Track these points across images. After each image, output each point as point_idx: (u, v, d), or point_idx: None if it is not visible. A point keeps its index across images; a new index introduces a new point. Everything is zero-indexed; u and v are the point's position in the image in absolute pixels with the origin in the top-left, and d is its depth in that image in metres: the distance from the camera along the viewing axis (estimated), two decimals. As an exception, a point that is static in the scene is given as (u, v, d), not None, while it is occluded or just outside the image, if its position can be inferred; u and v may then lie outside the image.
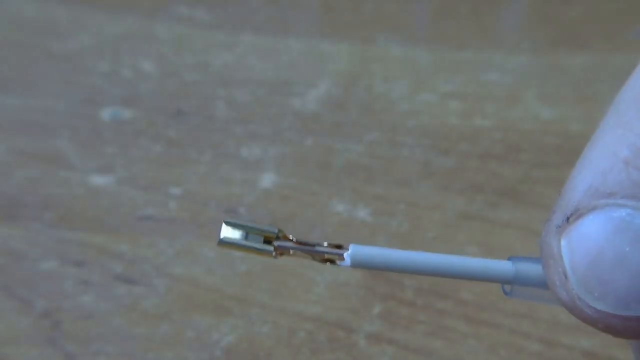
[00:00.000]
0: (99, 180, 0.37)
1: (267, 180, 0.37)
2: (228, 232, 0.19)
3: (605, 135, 0.18)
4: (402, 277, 0.33)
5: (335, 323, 0.31)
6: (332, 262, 0.20)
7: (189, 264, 0.33)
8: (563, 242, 0.18)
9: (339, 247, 0.20)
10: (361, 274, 0.33)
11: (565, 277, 0.18)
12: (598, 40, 0.45)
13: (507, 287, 0.19)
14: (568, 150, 0.38)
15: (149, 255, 0.34)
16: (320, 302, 0.32)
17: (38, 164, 0.38)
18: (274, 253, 0.20)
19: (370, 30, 0.45)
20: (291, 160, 0.38)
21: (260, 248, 0.20)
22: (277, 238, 0.20)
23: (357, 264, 0.19)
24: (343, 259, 0.19)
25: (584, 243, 0.18)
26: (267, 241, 0.20)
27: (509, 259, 0.20)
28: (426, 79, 0.42)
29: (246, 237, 0.19)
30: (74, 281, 0.33)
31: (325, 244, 0.20)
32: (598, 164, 0.18)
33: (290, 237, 0.20)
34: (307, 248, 0.20)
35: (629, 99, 0.18)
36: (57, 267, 0.34)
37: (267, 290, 0.32)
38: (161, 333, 0.31)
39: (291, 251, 0.20)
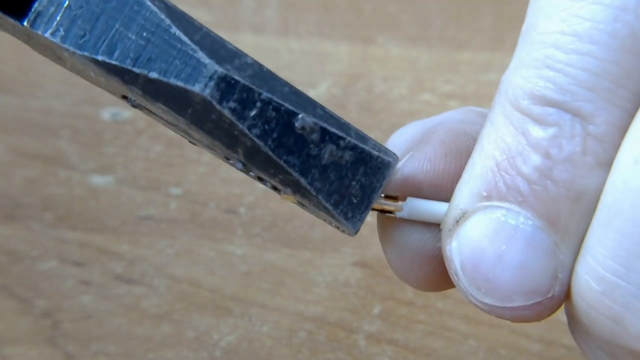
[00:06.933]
0: (99, 180, 0.37)
1: (267, 180, 0.37)
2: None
3: (483, 139, 0.19)
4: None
5: (335, 323, 0.31)
6: (390, 212, 0.21)
7: (189, 264, 0.33)
8: (453, 244, 0.19)
9: (395, 198, 0.21)
10: (361, 274, 0.33)
11: (457, 276, 0.19)
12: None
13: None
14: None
15: (149, 255, 0.34)
16: (320, 302, 0.32)
17: (38, 164, 0.38)
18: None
19: (370, 30, 0.45)
20: (291, 160, 0.38)
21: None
22: None
23: (414, 216, 0.21)
24: (400, 209, 0.21)
25: (469, 244, 0.19)
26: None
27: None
28: (426, 79, 0.42)
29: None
30: (74, 281, 0.33)
31: (383, 195, 0.21)
32: (477, 168, 0.19)
33: None
34: None
35: (498, 102, 0.19)
36: (57, 267, 0.34)
37: (267, 290, 0.32)
38: (161, 333, 0.31)
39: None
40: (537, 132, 0.18)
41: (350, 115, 0.40)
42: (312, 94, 0.41)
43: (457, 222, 0.19)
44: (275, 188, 0.21)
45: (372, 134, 0.35)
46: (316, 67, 0.43)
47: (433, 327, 0.31)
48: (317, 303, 0.32)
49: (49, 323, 0.32)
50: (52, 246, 0.34)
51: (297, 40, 0.45)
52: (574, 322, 0.19)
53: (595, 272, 0.18)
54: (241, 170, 0.20)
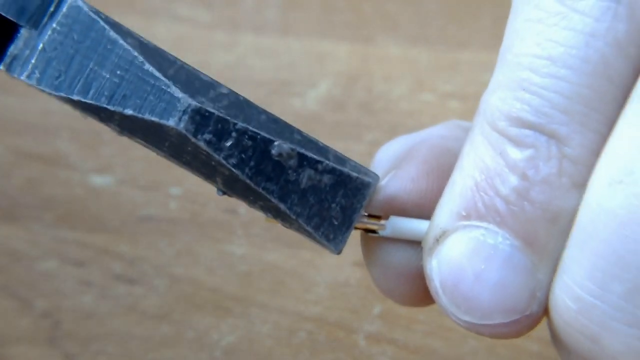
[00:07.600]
0: (98, 180, 0.37)
1: (267, 180, 0.37)
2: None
3: (463, 158, 0.20)
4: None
5: (335, 323, 0.31)
6: (373, 232, 0.21)
7: (189, 264, 0.34)
8: (434, 263, 0.20)
9: (379, 217, 0.21)
10: (361, 274, 0.33)
11: (437, 295, 0.20)
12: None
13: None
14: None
15: (149, 255, 0.34)
16: (320, 302, 0.32)
17: (38, 164, 0.38)
18: None
19: (370, 30, 0.45)
20: (291, 160, 0.38)
21: None
22: None
23: (396, 234, 0.21)
24: (383, 228, 0.21)
25: (448, 262, 0.19)
26: None
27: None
28: (426, 79, 0.42)
29: None
30: (74, 281, 0.33)
31: (366, 214, 0.21)
32: (457, 187, 0.19)
33: None
34: None
35: (477, 122, 0.19)
36: (57, 267, 0.34)
37: (267, 290, 0.32)
38: (161, 333, 0.31)
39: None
40: (515, 154, 0.18)
41: (350, 115, 0.40)
42: (312, 94, 0.41)
43: (437, 240, 0.19)
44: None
45: (372, 134, 0.35)
46: (316, 67, 0.43)
47: (433, 327, 0.31)
48: (317, 303, 0.32)
49: (49, 323, 0.32)
50: (52, 246, 0.34)
51: (297, 40, 0.45)
52: (555, 338, 0.19)
53: (571, 291, 0.18)
54: (223, 195, 0.20)
